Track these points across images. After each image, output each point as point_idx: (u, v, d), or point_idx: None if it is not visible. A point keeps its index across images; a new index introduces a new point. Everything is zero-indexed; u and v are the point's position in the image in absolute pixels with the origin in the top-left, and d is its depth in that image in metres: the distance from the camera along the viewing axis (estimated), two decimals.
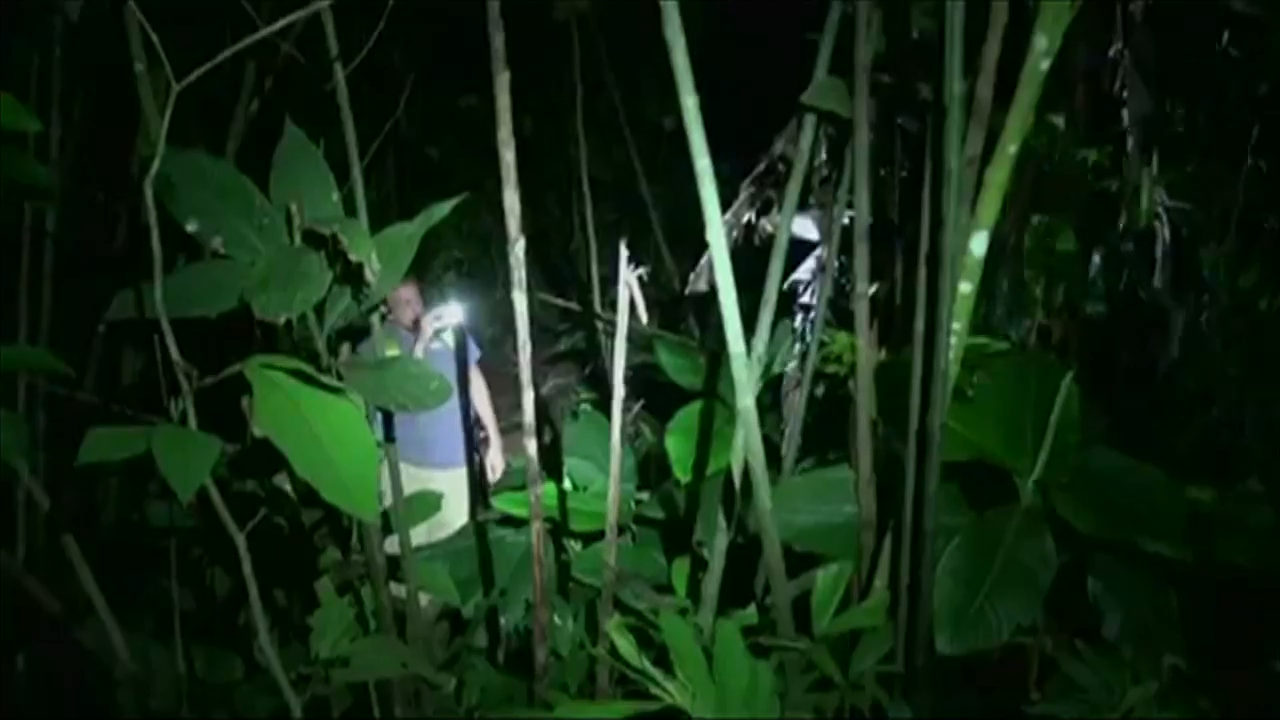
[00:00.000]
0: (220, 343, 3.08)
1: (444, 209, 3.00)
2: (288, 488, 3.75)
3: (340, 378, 2.76)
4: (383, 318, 4.93)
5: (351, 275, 2.89)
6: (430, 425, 5.61)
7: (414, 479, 4.91)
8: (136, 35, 3.02)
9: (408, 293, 5.69)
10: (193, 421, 2.64)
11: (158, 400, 2.89)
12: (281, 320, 2.73)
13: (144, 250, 2.66)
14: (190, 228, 2.93)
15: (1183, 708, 3.36)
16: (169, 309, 2.67)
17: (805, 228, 3.91)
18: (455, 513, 5.63)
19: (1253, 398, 5.32)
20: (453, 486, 5.50)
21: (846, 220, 3.88)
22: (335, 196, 3.07)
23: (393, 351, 5.23)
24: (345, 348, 3.36)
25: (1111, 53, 4.88)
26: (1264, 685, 3.41)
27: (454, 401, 5.63)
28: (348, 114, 3.33)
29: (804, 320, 4.36)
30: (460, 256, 9.23)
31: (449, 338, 5.83)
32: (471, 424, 6.01)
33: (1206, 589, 3.68)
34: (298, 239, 2.93)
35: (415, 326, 5.63)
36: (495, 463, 5.96)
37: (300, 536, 3.97)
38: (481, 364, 6.13)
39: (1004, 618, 3.42)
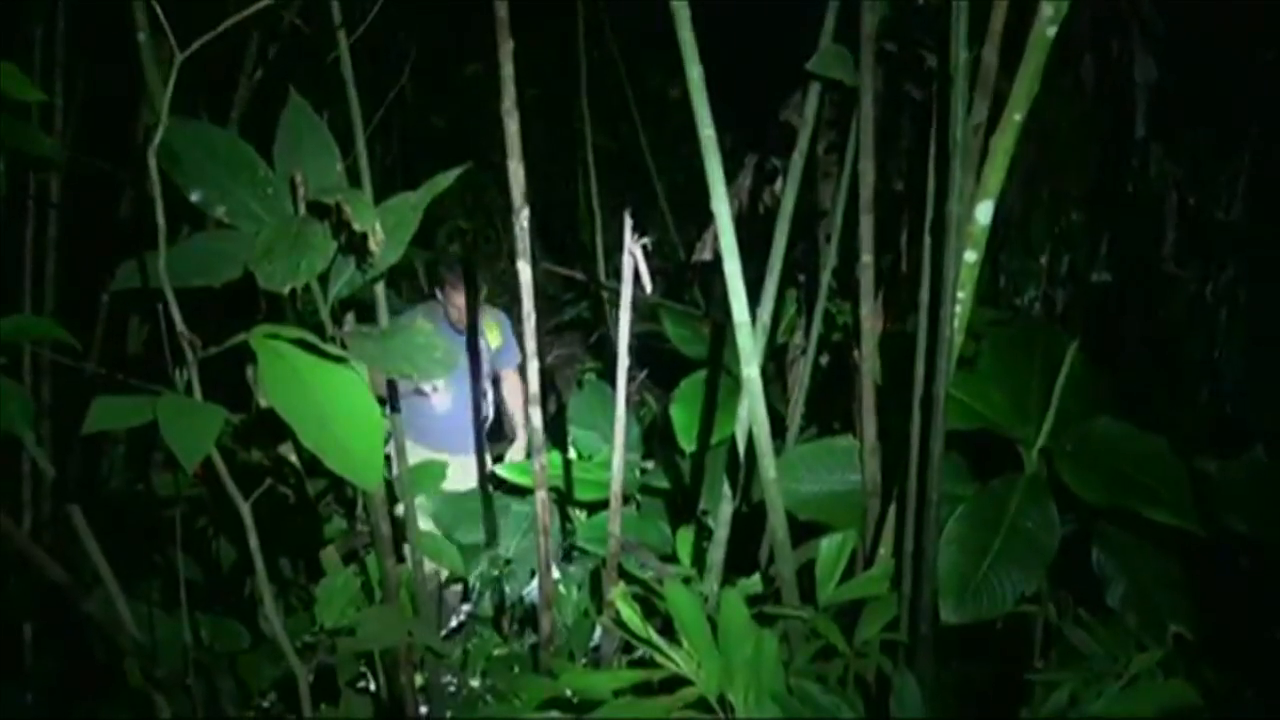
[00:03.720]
0: (225, 313, 3.08)
1: (448, 179, 2.99)
2: (293, 458, 3.75)
3: (344, 347, 2.76)
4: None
5: (356, 245, 2.88)
6: (442, 410, 5.63)
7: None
8: (140, 4, 3.01)
9: (461, 296, 5.51)
10: (197, 391, 2.63)
11: (163, 370, 2.89)
12: (286, 290, 2.73)
13: (148, 220, 2.65)
14: (194, 197, 2.91)
15: (1186, 676, 3.37)
16: (173, 279, 2.66)
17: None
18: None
19: (1258, 366, 5.31)
20: (461, 472, 5.44)
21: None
22: (339, 166, 3.06)
23: (494, 335, 5.77)
24: (350, 317, 3.35)
25: (1118, 19, 4.86)
26: (1267, 653, 3.41)
27: (467, 390, 5.62)
28: (351, 83, 3.32)
29: (809, 289, 4.36)
30: (464, 226, 9.20)
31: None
32: (489, 417, 5.92)
33: (1210, 557, 3.69)
34: (302, 209, 2.93)
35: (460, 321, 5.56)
36: (515, 459, 5.75)
37: (305, 506, 3.98)
38: None
39: (1008, 586, 3.42)
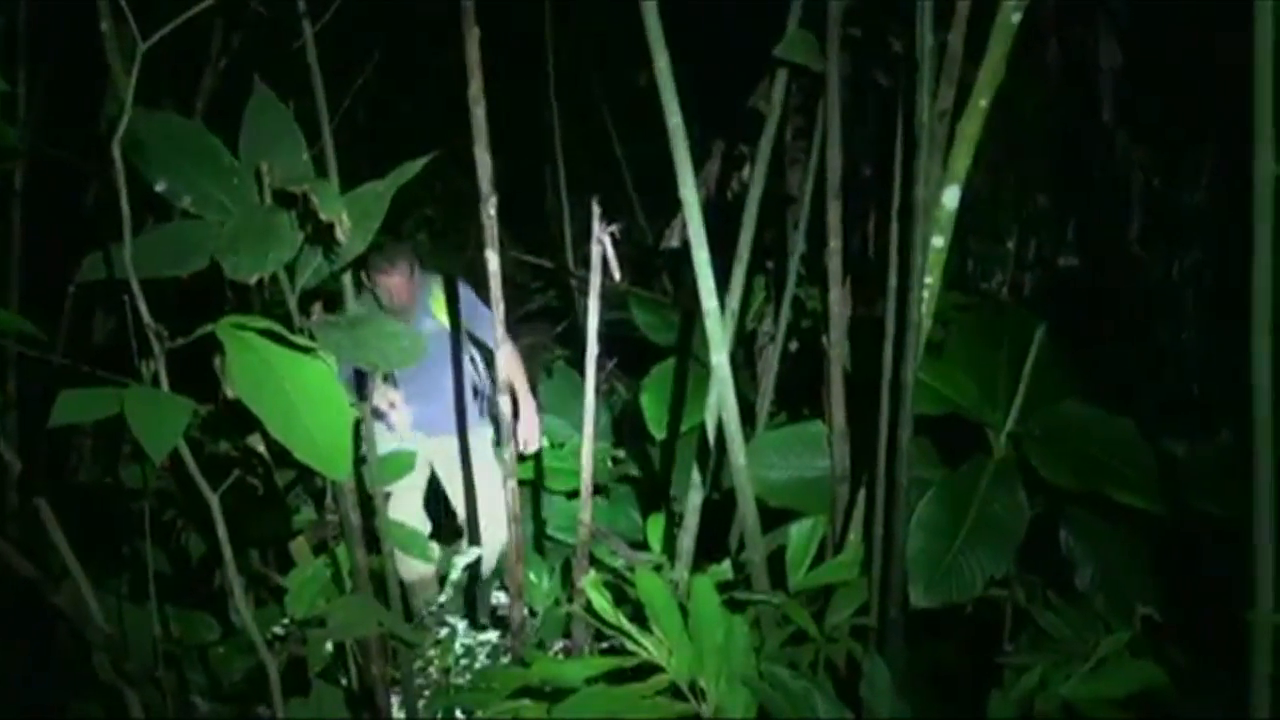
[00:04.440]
0: (192, 304, 3.06)
1: (415, 167, 2.98)
2: (261, 449, 3.74)
3: (312, 338, 2.75)
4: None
5: (322, 235, 2.87)
6: (428, 391, 5.15)
7: (420, 446, 4.88)
8: None
9: (391, 279, 4.96)
10: (164, 383, 2.62)
11: (129, 362, 2.87)
12: (253, 280, 2.72)
13: (113, 211, 2.64)
14: (159, 188, 2.90)
15: (1154, 657, 3.39)
16: (139, 270, 2.65)
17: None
18: (448, 481, 5.33)
19: (1223, 349, 5.34)
20: (444, 453, 5.25)
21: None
22: (305, 156, 3.05)
23: (440, 308, 5.22)
24: (317, 307, 3.34)
25: (1083, 4, 4.88)
26: (1234, 635, 3.43)
27: (444, 366, 5.20)
28: (317, 72, 3.31)
29: (777, 276, 4.36)
30: (432, 215, 9.16)
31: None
32: (478, 391, 5.40)
33: (1178, 540, 3.71)
34: (268, 199, 2.91)
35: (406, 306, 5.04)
36: (529, 437, 5.21)
37: (274, 497, 3.96)
38: None
39: (977, 570, 3.44)
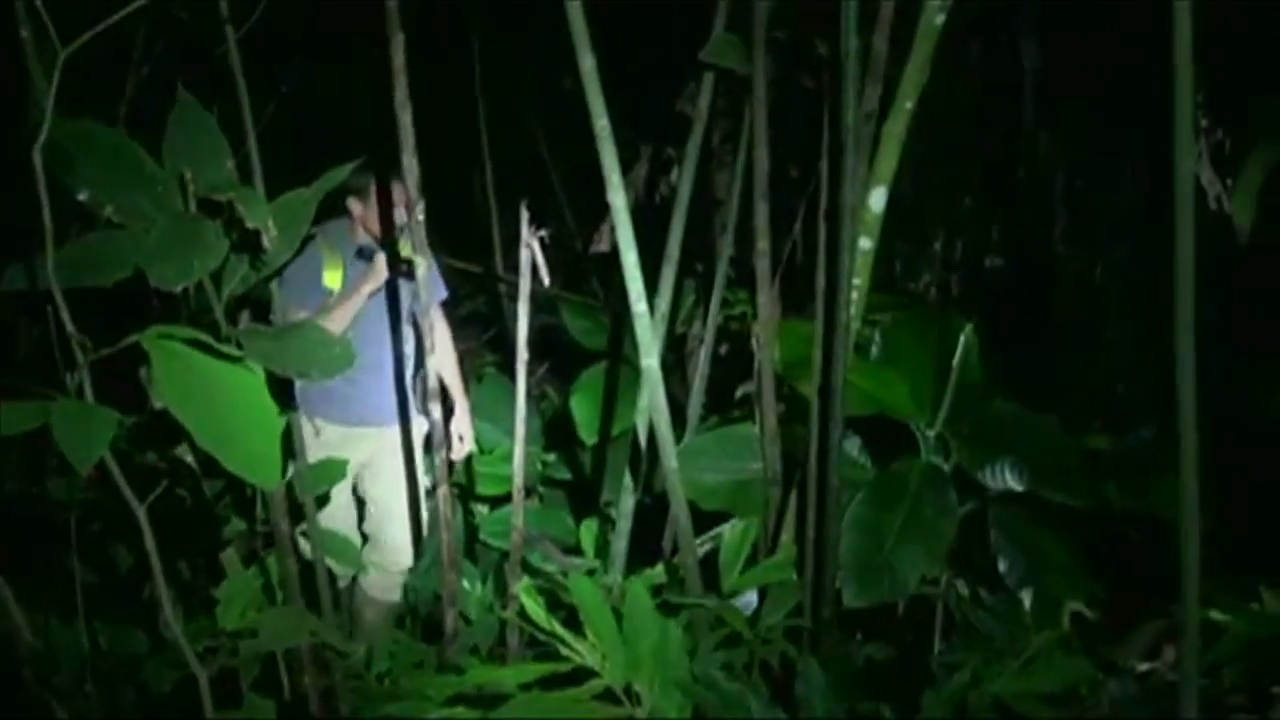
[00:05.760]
0: (117, 314, 3.04)
1: (341, 173, 2.97)
2: (189, 459, 3.71)
3: (240, 346, 2.73)
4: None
5: (248, 242, 2.85)
6: (354, 378, 4.13)
7: (343, 438, 4.66)
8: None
9: (358, 208, 4.63)
10: (89, 394, 2.60)
11: (54, 374, 2.84)
12: (179, 289, 2.70)
13: (35, 220, 2.61)
14: (81, 197, 2.87)
15: (1084, 652, 3.42)
16: (62, 280, 2.62)
17: None
18: (393, 477, 4.93)
19: (1145, 345, 5.41)
20: (386, 447, 4.90)
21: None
22: (230, 162, 3.03)
23: (334, 276, 4.63)
24: (244, 315, 3.31)
25: (1004, 5, 4.92)
26: (1161, 628, 3.48)
27: (384, 351, 4.78)
28: (240, 78, 3.28)
29: (706, 278, 4.37)
30: None
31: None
32: (413, 378, 4.98)
33: (1105, 536, 3.75)
34: (192, 207, 2.89)
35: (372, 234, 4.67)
36: (463, 430, 5.01)
37: (203, 508, 3.93)
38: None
39: (909, 569, 3.46)
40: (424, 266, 3.45)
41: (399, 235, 4.47)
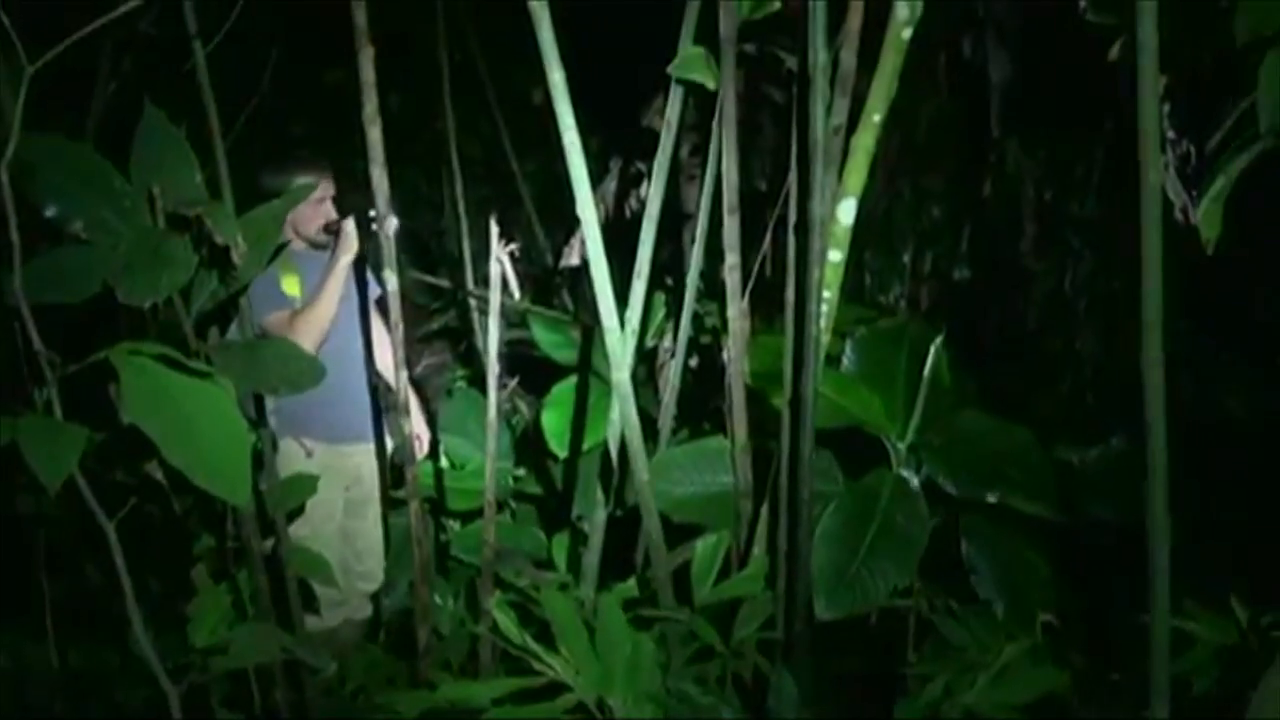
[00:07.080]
0: (86, 330, 3.02)
1: (309, 188, 2.97)
2: (159, 475, 3.69)
3: (209, 362, 2.72)
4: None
5: (218, 257, 2.85)
6: (334, 394, 4.10)
7: (332, 458, 4.70)
8: None
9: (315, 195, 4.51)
10: (58, 411, 2.59)
11: (22, 390, 2.83)
12: (147, 305, 2.69)
13: (2, 236, 2.60)
14: (49, 213, 2.86)
15: (1055, 663, 3.43)
16: (30, 296, 2.61)
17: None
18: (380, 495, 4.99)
19: (1114, 356, 5.44)
20: (374, 465, 4.91)
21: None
22: (198, 177, 3.02)
23: (292, 283, 4.58)
24: (214, 331, 3.30)
25: (972, 20, 4.95)
26: (1131, 638, 3.49)
27: (360, 364, 4.80)
28: (208, 93, 3.28)
29: (677, 292, 4.37)
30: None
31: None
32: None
33: (1076, 546, 3.77)
34: (161, 222, 2.88)
35: (328, 233, 4.60)
36: (420, 432, 4.99)
37: (173, 524, 3.91)
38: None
39: (880, 581, 3.46)
40: (392, 281, 3.44)
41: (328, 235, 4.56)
